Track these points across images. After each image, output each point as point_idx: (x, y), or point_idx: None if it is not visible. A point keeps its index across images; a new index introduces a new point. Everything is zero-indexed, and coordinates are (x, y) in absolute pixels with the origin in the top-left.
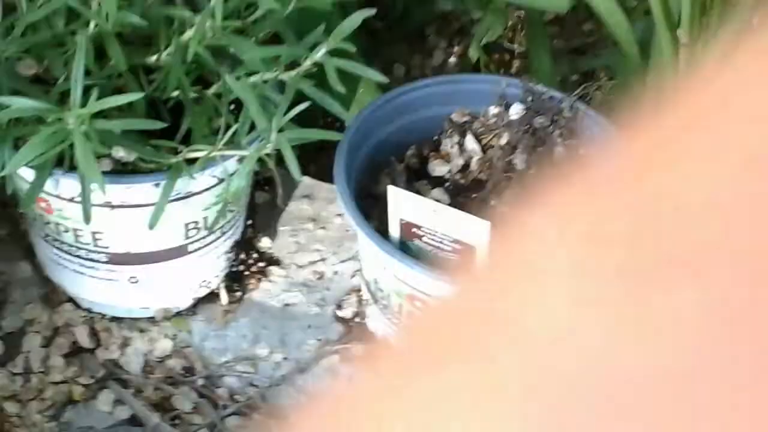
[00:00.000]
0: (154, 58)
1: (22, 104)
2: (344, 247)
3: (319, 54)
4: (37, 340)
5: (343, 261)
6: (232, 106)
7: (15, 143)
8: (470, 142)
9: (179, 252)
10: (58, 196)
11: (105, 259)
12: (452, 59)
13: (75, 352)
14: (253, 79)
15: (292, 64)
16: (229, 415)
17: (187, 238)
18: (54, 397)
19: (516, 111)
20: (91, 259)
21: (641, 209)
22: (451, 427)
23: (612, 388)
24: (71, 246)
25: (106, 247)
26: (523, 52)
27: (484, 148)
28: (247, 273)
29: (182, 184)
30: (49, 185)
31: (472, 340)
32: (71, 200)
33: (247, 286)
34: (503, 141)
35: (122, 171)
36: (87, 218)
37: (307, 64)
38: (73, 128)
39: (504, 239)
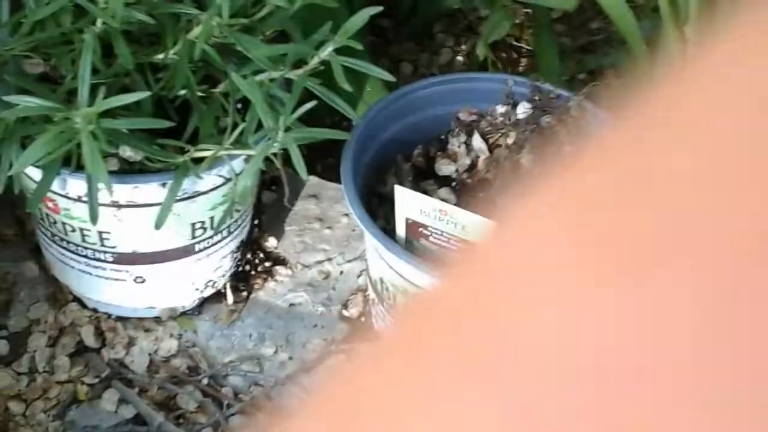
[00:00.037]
0: (161, 56)
1: (29, 103)
2: (351, 247)
3: (326, 52)
4: (42, 339)
5: (349, 261)
6: (239, 105)
7: (22, 142)
8: (477, 142)
9: (185, 252)
10: (65, 196)
11: (111, 259)
12: (459, 57)
13: (80, 351)
14: (259, 77)
15: (299, 63)
16: (234, 414)
17: (194, 237)
18: (59, 396)
19: (523, 110)
20: (98, 259)
21: (634, 197)
22: (432, 419)
23: (606, 380)
24: (78, 246)
25: (113, 247)
26: (531, 50)
27: (491, 148)
28: (253, 273)
29: (189, 184)
30: (56, 185)
31: (460, 331)
32: (78, 200)
33: (253, 285)
34: (510, 140)
35: (129, 170)
36: (94, 218)
37: (314, 62)
38: (80, 127)
39: (495, 231)
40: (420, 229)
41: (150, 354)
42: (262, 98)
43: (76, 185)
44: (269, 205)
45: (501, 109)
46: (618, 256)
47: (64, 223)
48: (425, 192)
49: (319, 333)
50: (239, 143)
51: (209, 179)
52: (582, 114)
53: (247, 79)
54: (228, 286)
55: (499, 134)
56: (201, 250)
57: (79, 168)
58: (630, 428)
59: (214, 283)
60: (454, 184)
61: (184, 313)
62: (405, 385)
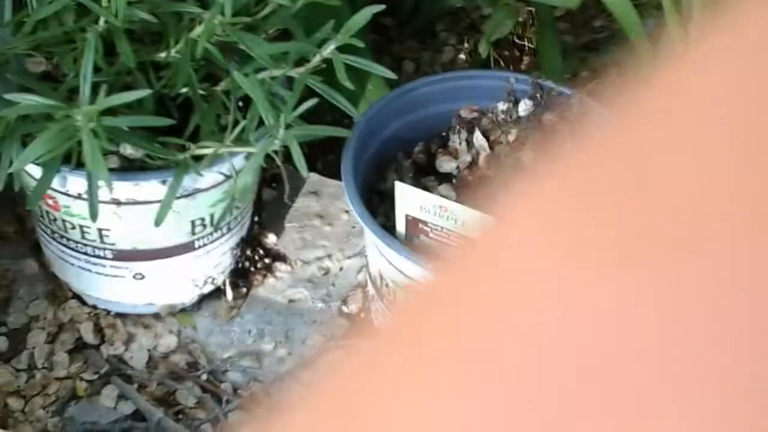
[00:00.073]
0: (162, 54)
1: (30, 101)
2: (351, 243)
3: (328, 50)
4: (41, 336)
5: (349, 257)
6: (240, 103)
7: (23, 140)
8: (478, 139)
9: (185, 248)
10: (65, 193)
11: (111, 256)
12: (462, 56)
13: (79, 348)
14: (261, 75)
15: (301, 61)
16: (233, 409)
17: (194, 234)
18: (58, 392)
19: (524, 107)
20: (98, 256)
21: (635, 192)
22: (432, 416)
23: (606, 375)
24: (78, 243)
25: (113, 244)
26: (534, 48)
27: (492, 145)
28: (252, 269)
29: (189, 181)
30: (56, 182)
31: (460, 327)
32: (78, 197)
33: (253, 282)
34: (512, 137)
35: (129, 168)
36: (94, 215)
37: (315, 60)
38: (81, 125)
39: (495, 226)
40: (420, 226)
41: (149, 350)
42: (263, 96)
43: (77, 182)
44: (269, 202)
45: (502, 106)
46: (618, 251)
47: (64, 221)
48: (426, 188)
49: (318, 329)
50: (240, 140)
51: (210, 176)
52: (584, 111)
53: (248, 77)
54: (227, 282)
55: (501, 131)
56: (201, 247)
57: (80, 165)
58: (630, 422)
59: (214, 279)
60: (454, 180)
61: (183, 310)
62: (405, 382)
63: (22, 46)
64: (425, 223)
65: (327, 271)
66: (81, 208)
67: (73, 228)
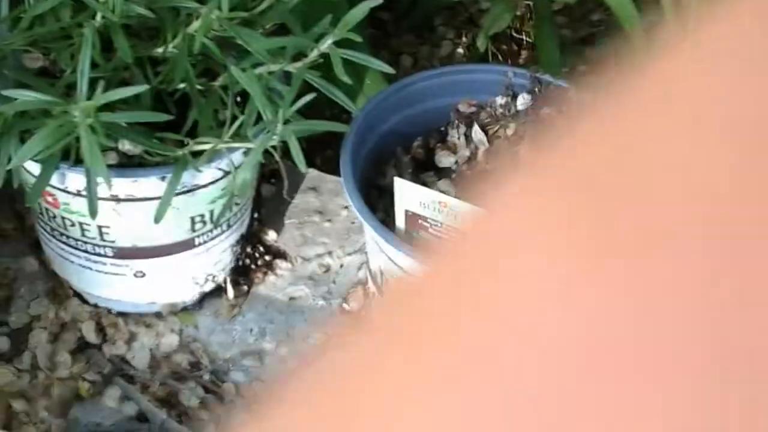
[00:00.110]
0: (160, 49)
1: (27, 97)
2: (351, 240)
3: (326, 45)
4: (43, 336)
5: (349, 254)
6: (238, 98)
7: (21, 136)
8: (477, 133)
9: (185, 246)
10: (64, 190)
11: (111, 254)
12: (460, 50)
13: (81, 347)
14: (259, 70)
15: (299, 56)
16: (236, 410)
17: (193, 231)
18: (61, 393)
19: (523, 101)
20: (98, 254)
21: (628, 180)
22: (423, 403)
23: (600, 371)
24: (77, 240)
25: (113, 242)
26: (532, 42)
27: (491, 139)
28: (253, 267)
29: (188, 177)
30: (55, 179)
31: (448, 315)
32: (77, 194)
33: (253, 279)
34: (510, 131)
35: (128, 164)
36: (93, 212)
37: (313, 55)
38: (79, 121)
39: (489, 216)
40: (420, 221)
41: (151, 349)
42: (261, 91)
43: (75, 179)
44: (269, 198)
45: (501, 100)
46: (613, 240)
47: (63, 218)
48: (425, 184)
49: (319, 327)
50: (238, 136)
51: (208, 172)
52: (581, 104)
53: (246, 72)
54: (228, 280)
55: (499, 126)
56: (201, 244)
57: (78, 162)
58: (629, 417)
59: (214, 277)
60: (453, 175)
61: (184, 308)
62: (405, 382)
63: (19, 41)
64: (425, 218)
65: (327, 269)
66: (80, 205)
67: (73, 225)
